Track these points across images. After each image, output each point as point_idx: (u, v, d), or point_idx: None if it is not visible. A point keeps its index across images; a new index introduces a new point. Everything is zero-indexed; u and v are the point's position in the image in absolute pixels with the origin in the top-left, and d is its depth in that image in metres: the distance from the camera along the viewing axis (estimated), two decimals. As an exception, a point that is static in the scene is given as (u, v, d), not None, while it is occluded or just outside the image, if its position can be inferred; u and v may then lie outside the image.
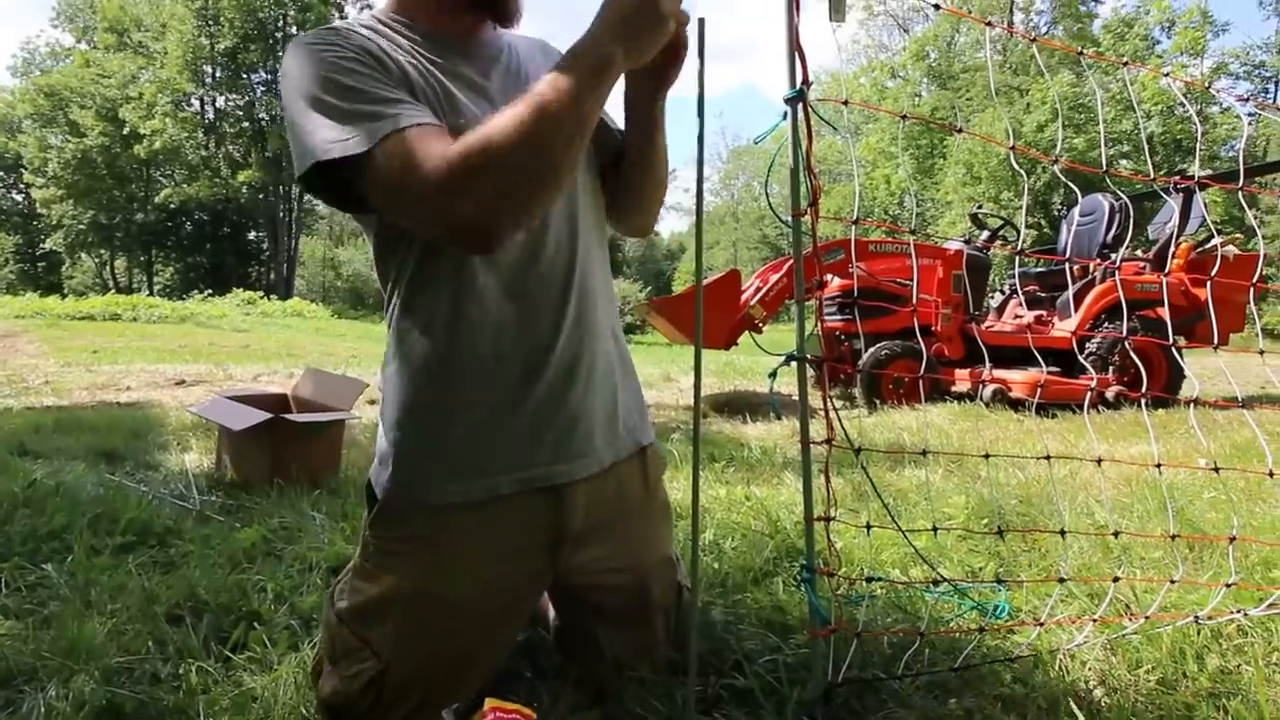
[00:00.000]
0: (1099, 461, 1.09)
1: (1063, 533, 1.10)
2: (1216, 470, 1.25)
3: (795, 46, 1.00)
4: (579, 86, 0.75)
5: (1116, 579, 1.14)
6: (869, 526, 1.12)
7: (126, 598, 1.42)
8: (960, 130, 1.21)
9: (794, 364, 0.91)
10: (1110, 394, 4.36)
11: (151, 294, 25.89)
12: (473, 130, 0.75)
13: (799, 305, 0.90)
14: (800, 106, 0.98)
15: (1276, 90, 23.55)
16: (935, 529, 1.05)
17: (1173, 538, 1.09)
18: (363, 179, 0.77)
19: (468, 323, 0.85)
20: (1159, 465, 1.09)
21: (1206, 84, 1.41)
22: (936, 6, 1.14)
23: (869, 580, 1.11)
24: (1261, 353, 1.28)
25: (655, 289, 33.07)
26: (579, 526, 0.91)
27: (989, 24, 1.27)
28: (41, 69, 30.99)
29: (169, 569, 1.61)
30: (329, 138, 0.76)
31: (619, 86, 0.88)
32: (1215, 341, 1.82)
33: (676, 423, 4.06)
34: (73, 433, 3.23)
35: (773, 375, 0.87)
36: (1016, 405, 4.43)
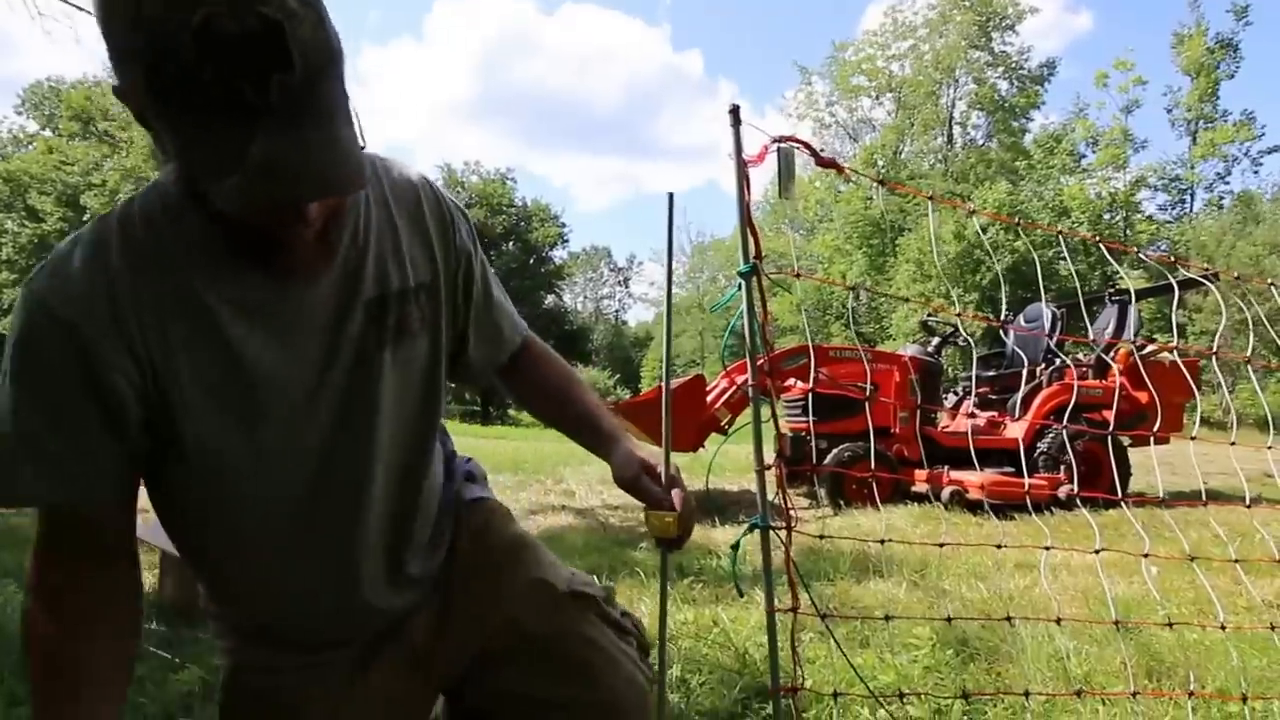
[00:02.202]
0: (1058, 618, 1.12)
1: (1027, 694, 1.11)
2: (1170, 626, 1.28)
3: (747, 224, 1.09)
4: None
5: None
6: (836, 694, 1.12)
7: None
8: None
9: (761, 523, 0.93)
10: (1062, 493, 4.48)
11: (103, 381, 25.09)
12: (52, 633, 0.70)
13: (759, 475, 0.93)
14: (755, 279, 1.06)
15: (1191, 201, 25.68)
16: (903, 694, 1.05)
17: (1134, 695, 1.11)
18: None
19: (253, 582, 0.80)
20: (1117, 622, 1.12)
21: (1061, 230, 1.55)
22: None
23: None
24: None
25: (623, 376, 33.32)
26: (422, 638, 0.87)
27: (881, 182, 1.39)
28: (2, 155, 30.70)
29: None
30: None
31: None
32: (1156, 433, 1.95)
33: (643, 527, 4.01)
34: (8, 546, 3.06)
35: (735, 547, 0.89)
36: (974, 507, 4.51)
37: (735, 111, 0.99)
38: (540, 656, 0.87)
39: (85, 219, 26.78)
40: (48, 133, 31.08)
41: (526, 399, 1.03)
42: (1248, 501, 1.46)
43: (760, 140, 1.05)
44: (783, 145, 1.03)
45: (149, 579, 2.66)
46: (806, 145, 1.04)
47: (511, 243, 30.56)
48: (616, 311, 48.56)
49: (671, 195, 0.99)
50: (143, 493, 0.76)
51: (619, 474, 0.90)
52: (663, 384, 0.97)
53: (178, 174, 0.63)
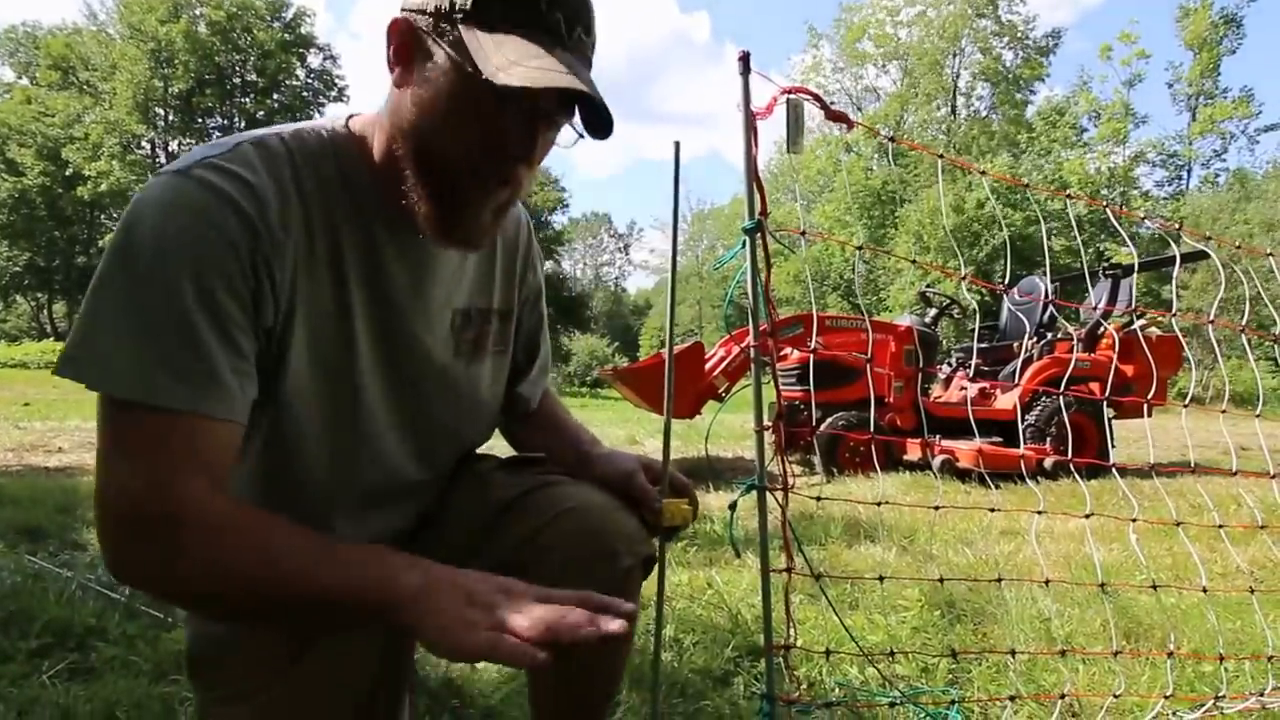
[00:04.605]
0: (1046, 580, 1.13)
1: (1013, 652, 1.13)
2: (1155, 588, 1.31)
3: (754, 179, 1.07)
4: (336, 600, 0.59)
5: (1064, 696, 1.18)
6: (829, 652, 1.14)
7: (38, 713, 1.31)
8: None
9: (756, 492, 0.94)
10: (1048, 464, 4.54)
11: (92, 339, 24.59)
12: (213, 530, 0.59)
13: (758, 435, 0.93)
14: (759, 236, 1.04)
15: (1187, 178, 25.59)
16: (892, 652, 1.07)
17: (1115, 654, 1.13)
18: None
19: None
20: (1102, 584, 1.14)
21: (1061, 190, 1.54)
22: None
23: (829, 705, 1.12)
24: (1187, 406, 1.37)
25: (622, 344, 33.27)
26: None
27: (891, 139, 1.37)
28: (-24, 104, 29.90)
29: (89, 678, 1.49)
30: (105, 352, 0.58)
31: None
32: (1148, 402, 1.99)
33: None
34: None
35: (732, 507, 0.89)
36: (963, 475, 4.57)
37: (745, 59, 0.97)
38: (496, 521, 0.86)
39: (68, 173, 26.11)
40: (24, 81, 29.93)
41: (534, 442, 1.02)
42: (1234, 469, 1.47)
43: (769, 94, 1.03)
44: (792, 97, 1.00)
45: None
46: (816, 97, 1.02)
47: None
48: (616, 279, 48.42)
49: (678, 144, 0.97)
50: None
51: (613, 469, 0.90)
52: (667, 353, 0.95)
53: (438, 86, 0.65)
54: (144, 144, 28.68)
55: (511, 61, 0.61)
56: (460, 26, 0.63)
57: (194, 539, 0.58)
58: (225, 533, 0.59)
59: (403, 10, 0.67)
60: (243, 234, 0.61)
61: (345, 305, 0.70)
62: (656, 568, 0.92)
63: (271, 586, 0.59)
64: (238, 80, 29.08)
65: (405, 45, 0.66)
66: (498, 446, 1.01)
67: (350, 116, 0.75)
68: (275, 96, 29.38)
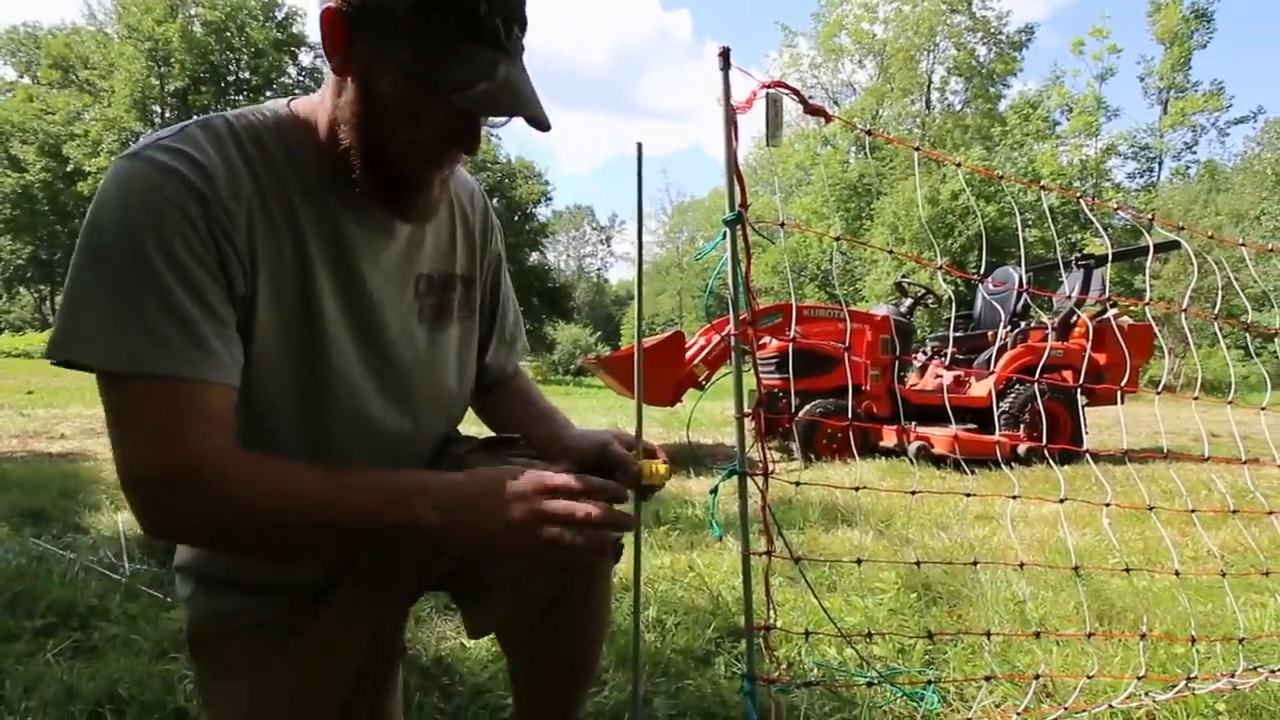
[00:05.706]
0: (1021, 563, 1.11)
1: (988, 634, 1.12)
2: (1128, 571, 1.29)
3: (734, 172, 1.03)
4: (360, 528, 0.64)
5: (1038, 676, 1.17)
6: (808, 634, 1.12)
7: (43, 690, 1.29)
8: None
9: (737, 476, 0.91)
10: (1022, 450, 4.55)
11: (92, 331, 24.36)
12: (237, 478, 0.62)
13: (739, 421, 0.90)
14: (739, 228, 1.01)
15: (1160, 169, 25.77)
16: (870, 634, 1.05)
17: (1089, 636, 1.12)
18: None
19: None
20: (1076, 567, 1.13)
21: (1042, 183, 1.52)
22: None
23: (808, 685, 1.10)
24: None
25: (604, 334, 33.20)
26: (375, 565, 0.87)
27: (869, 132, 1.34)
28: (-20, 102, 29.35)
29: (92, 656, 1.48)
30: (90, 330, 0.60)
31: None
32: (1122, 388, 1.98)
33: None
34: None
35: (714, 491, 0.87)
36: (938, 461, 4.58)
37: (725, 54, 0.93)
38: None
39: (69, 169, 25.80)
40: (26, 80, 29.54)
41: (502, 412, 0.99)
42: (1205, 455, 1.46)
43: (749, 89, 1.00)
44: (771, 91, 0.97)
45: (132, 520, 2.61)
46: (795, 92, 0.98)
47: (496, 199, 29.82)
48: (598, 270, 48.41)
49: (640, 145, 0.94)
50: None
51: (587, 443, 0.87)
52: (636, 341, 0.92)
53: (367, 95, 0.66)
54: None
55: (464, 81, 0.63)
56: (402, 30, 0.62)
57: (227, 484, 0.61)
58: (254, 475, 0.62)
59: None
60: (194, 205, 0.63)
61: (306, 265, 0.71)
62: (632, 545, 0.90)
63: (304, 518, 0.62)
64: (232, 78, 28.66)
65: (342, 36, 0.65)
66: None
67: (290, 100, 0.75)
68: (268, 94, 28.98)
